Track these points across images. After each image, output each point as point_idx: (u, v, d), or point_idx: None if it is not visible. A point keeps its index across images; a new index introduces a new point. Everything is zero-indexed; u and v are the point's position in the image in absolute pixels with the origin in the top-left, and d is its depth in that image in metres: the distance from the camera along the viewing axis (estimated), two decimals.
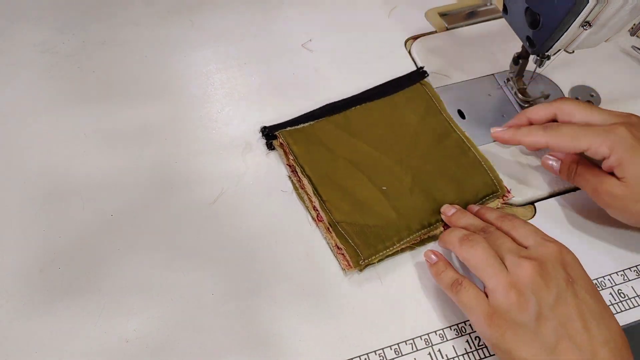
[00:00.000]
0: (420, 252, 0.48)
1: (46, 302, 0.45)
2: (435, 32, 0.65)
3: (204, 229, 0.49)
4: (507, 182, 0.52)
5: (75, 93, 0.58)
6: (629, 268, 0.48)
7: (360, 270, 0.47)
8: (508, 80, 0.59)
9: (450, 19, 0.66)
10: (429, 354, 0.44)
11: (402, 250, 0.48)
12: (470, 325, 0.45)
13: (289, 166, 0.53)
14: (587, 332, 0.37)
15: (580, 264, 0.41)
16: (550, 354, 0.37)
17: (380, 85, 0.58)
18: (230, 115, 0.57)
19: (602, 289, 0.47)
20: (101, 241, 0.48)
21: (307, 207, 0.51)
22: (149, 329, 0.44)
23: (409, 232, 0.48)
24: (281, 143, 0.54)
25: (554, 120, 0.50)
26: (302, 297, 0.46)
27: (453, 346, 0.44)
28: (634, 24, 0.59)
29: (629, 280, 0.47)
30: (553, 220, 0.51)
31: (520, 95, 0.57)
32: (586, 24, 0.45)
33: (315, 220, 0.50)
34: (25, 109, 0.57)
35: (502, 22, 0.63)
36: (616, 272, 0.48)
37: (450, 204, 0.49)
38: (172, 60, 0.61)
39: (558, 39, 0.47)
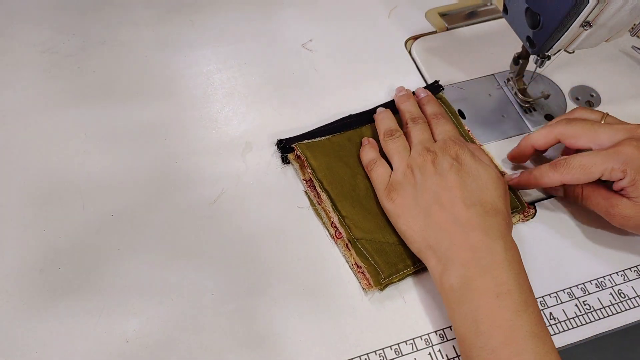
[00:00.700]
0: None
1: (46, 302, 0.45)
2: (436, 32, 0.65)
3: (204, 229, 0.49)
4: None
5: (75, 93, 0.58)
6: (629, 268, 0.48)
7: (381, 289, 0.46)
8: (508, 80, 0.59)
9: (451, 19, 0.66)
10: (429, 354, 0.44)
11: (424, 270, 0.47)
12: None
13: (306, 181, 0.52)
14: (456, 200, 0.44)
15: (475, 162, 0.46)
16: (426, 217, 0.45)
17: (393, 100, 0.56)
18: (230, 115, 0.57)
19: (602, 289, 0.47)
20: (101, 241, 0.48)
21: (324, 224, 0.49)
22: (149, 329, 0.44)
23: None
24: (298, 156, 0.52)
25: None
26: (302, 297, 0.46)
27: (453, 346, 0.44)
28: (634, 24, 0.59)
29: (629, 281, 0.47)
30: (553, 220, 0.51)
31: (520, 96, 0.57)
32: (586, 24, 0.45)
33: (333, 237, 0.49)
34: (25, 109, 0.57)
35: (502, 22, 0.63)
36: (616, 272, 0.48)
37: None
38: (172, 60, 0.61)
39: (558, 39, 0.47)
